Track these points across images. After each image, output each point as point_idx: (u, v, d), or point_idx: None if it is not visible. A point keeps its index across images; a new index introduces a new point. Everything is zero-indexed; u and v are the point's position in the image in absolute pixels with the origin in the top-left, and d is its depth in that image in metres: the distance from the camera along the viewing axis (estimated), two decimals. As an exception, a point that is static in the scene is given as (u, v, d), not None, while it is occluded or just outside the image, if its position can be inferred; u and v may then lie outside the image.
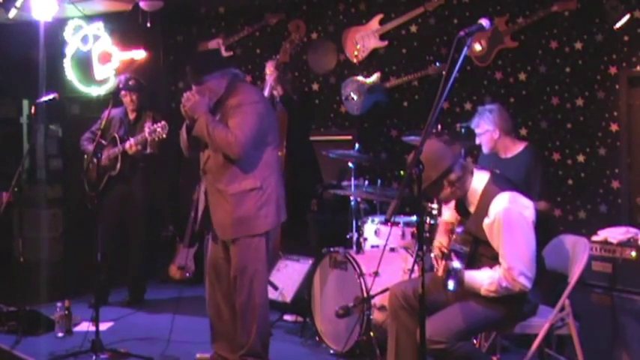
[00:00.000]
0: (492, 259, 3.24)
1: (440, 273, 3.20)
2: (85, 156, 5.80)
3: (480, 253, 3.32)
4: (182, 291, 5.37)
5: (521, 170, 4.24)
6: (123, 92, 5.73)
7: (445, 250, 3.23)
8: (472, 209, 3.34)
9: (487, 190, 3.29)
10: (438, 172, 3.23)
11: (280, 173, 4.08)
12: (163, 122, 5.28)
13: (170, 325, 4.58)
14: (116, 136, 5.68)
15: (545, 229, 3.51)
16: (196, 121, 3.87)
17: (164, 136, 5.23)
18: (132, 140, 5.49)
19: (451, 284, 3.13)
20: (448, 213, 3.66)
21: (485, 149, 4.41)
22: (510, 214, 3.17)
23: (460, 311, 3.24)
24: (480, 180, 3.32)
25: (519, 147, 4.38)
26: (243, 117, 3.84)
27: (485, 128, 4.34)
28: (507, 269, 3.16)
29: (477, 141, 4.41)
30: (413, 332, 3.41)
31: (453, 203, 3.49)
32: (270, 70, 5.78)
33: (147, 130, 5.32)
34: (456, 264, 3.20)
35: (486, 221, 3.23)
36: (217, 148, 3.86)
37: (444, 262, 3.16)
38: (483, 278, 3.22)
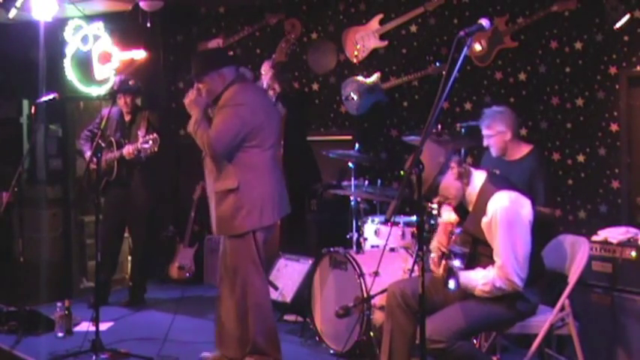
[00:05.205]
0: (492, 259, 3.24)
1: (440, 272, 3.20)
2: (85, 157, 5.79)
3: (480, 252, 3.32)
4: (183, 291, 5.39)
5: (526, 174, 4.22)
6: (118, 94, 5.72)
7: (445, 250, 3.23)
8: (470, 208, 3.35)
9: (484, 189, 3.29)
10: (434, 171, 3.24)
11: (272, 175, 4.03)
12: (155, 135, 5.26)
13: (170, 325, 4.56)
14: (112, 140, 5.67)
15: (544, 231, 3.51)
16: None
17: (155, 149, 5.23)
18: (130, 148, 5.47)
19: (452, 283, 3.13)
20: (447, 214, 3.65)
21: (494, 151, 4.35)
22: (508, 213, 3.18)
23: (460, 311, 3.24)
24: (477, 179, 3.33)
25: (525, 150, 4.36)
26: (222, 118, 3.89)
27: (497, 130, 4.28)
28: (501, 267, 3.16)
29: (485, 143, 4.35)
30: (407, 331, 3.42)
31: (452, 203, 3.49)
32: (265, 69, 5.78)
33: (139, 143, 5.32)
34: (457, 263, 3.20)
35: (484, 220, 3.23)
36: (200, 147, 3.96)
37: (444, 261, 3.16)
38: (478, 278, 3.23)
